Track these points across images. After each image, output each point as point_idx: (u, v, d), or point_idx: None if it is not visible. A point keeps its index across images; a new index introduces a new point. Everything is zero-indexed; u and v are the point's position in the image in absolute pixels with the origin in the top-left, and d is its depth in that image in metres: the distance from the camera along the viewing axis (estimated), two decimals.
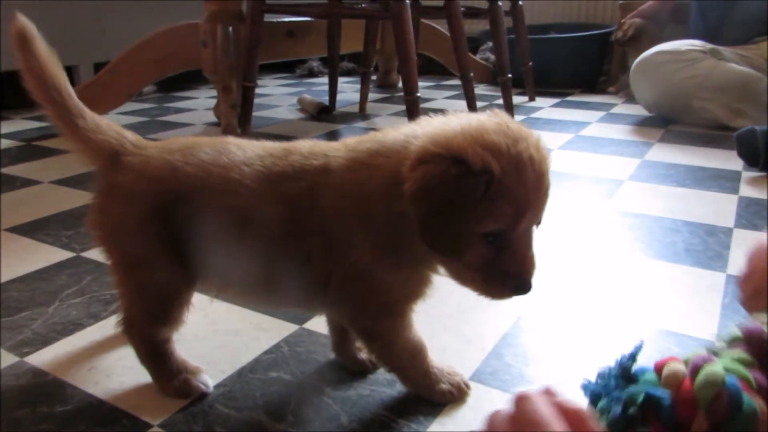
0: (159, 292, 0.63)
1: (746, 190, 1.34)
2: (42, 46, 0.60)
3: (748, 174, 1.46)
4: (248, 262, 0.60)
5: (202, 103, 2.51)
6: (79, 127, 0.61)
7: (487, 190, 0.50)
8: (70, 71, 2.31)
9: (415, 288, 0.60)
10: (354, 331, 0.65)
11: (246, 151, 0.61)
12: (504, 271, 0.54)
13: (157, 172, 0.60)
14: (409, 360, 0.64)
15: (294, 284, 0.60)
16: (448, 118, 0.56)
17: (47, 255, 1.01)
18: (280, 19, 2.05)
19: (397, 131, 0.57)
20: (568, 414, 0.40)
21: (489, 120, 0.54)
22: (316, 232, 0.57)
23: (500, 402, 0.64)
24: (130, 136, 0.64)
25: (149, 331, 0.65)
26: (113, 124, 0.64)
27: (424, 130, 0.55)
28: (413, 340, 0.63)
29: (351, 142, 0.60)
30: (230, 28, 1.75)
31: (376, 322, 0.61)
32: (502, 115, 0.55)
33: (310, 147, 0.61)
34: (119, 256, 0.63)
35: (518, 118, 2.16)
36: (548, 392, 0.42)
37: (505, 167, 0.50)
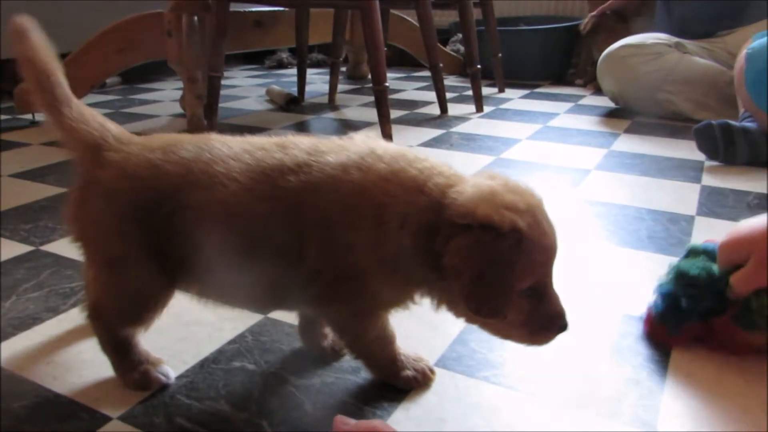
0: (135, 294, 0.61)
1: (708, 180, 1.37)
2: (37, 36, 0.60)
3: (710, 164, 1.49)
4: (233, 260, 0.58)
5: (167, 94, 2.47)
6: (63, 114, 0.60)
7: (518, 248, 0.51)
8: None
9: (400, 300, 0.60)
10: (328, 324, 0.64)
11: (231, 146, 0.59)
12: (546, 317, 0.56)
13: (138, 171, 0.58)
14: (378, 350, 0.64)
15: (280, 282, 0.59)
16: (463, 182, 0.56)
17: (5, 249, 0.99)
18: (246, 9, 2.03)
19: (438, 170, 0.57)
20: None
21: (494, 182, 0.55)
22: (315, 226, 0.56)
23: (464, 386, 0.65)
24: (114, 129, 0.62)
25: (118, 327, 0.63)
26: (98, 116, 0.62)
27: (454, 194, 0.54)
28: (385, 332, 0.63)
29: (381, 151, 0.57)
30: (195, 18, 1.72)
31: (353, 319, 0.61)
32: (499, 176, 0.56)
33: (314, 142, 0.59)
34: (96, 253, 0.61)
35: (488, 109, 2.17)
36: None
37: (527, 221, 0.52)
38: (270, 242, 0.57)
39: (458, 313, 0.58)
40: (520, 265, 0.52)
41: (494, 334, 0.59)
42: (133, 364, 0.64)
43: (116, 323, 0.63)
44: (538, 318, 0.56)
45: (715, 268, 0.72)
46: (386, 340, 0.64)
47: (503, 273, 0.52)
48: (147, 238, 0.58)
